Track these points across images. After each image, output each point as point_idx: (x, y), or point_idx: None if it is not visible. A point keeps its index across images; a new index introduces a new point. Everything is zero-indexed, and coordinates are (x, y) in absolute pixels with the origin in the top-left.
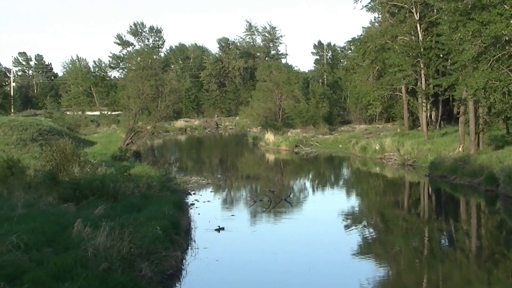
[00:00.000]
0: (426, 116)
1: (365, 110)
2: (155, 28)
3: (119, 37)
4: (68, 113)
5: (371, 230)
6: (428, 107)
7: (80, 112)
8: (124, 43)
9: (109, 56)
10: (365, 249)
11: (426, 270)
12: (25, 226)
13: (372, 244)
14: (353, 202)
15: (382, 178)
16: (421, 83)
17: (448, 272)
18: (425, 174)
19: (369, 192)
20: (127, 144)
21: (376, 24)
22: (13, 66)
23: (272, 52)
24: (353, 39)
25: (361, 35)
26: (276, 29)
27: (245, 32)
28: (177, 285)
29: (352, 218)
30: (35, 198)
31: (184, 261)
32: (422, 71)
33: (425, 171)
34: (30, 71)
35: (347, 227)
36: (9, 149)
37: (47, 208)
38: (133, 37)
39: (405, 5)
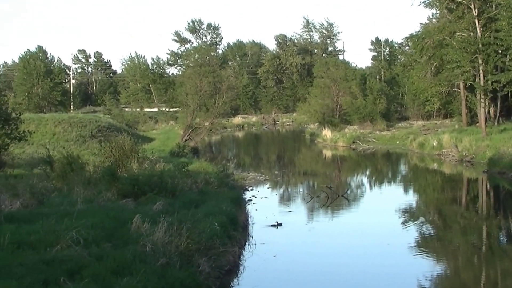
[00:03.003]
0: (485, 112)
1: (422, 107)
2: (212, 25)
3: (177, 34)
4: (126, 109)
5: (429, 226)
6: (487, 103)
7: (138, 109)
8: (182, 40)
9: (167, 53)
10: (423, 246)
11: (485, 267)
12: (85, 222)
13: (430, 241)
14: (411, 198)
15: (440, 174)
16: (479, 79)
17: (507, 269)
18: (483, 171)
19: (426, 188)
20: (185, 141)
21: (434, 20)
22: (73, 63)
23: (330, 48)
24: (411, 35)
25: (419, 31)
26: (333, 25)
27: (302, 28)
28: (234, 280)
29: (410, 214)
30: (94, 194)
31: (241, 256)
32: (481, 67)
33: (484, 168)
34: (89, 68)
35: (404, 223)
36: (69, 145)
37: (106, 204)
38: (191, 34)
39: (463, 1)
